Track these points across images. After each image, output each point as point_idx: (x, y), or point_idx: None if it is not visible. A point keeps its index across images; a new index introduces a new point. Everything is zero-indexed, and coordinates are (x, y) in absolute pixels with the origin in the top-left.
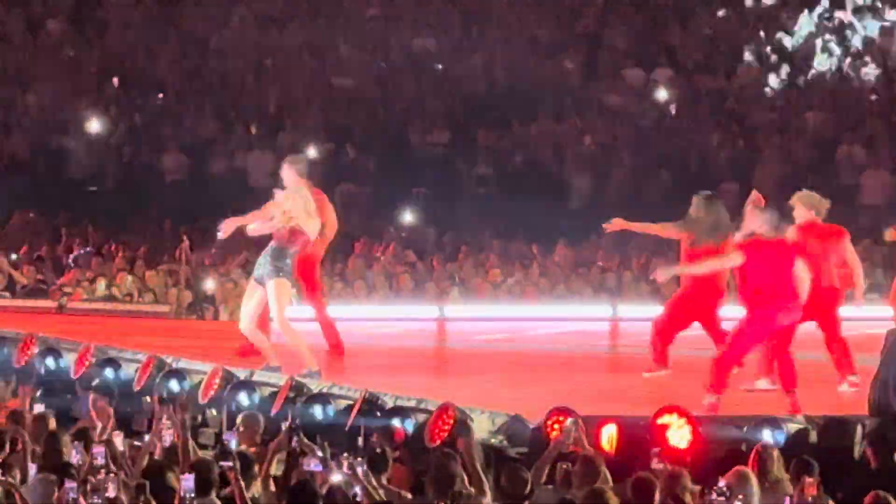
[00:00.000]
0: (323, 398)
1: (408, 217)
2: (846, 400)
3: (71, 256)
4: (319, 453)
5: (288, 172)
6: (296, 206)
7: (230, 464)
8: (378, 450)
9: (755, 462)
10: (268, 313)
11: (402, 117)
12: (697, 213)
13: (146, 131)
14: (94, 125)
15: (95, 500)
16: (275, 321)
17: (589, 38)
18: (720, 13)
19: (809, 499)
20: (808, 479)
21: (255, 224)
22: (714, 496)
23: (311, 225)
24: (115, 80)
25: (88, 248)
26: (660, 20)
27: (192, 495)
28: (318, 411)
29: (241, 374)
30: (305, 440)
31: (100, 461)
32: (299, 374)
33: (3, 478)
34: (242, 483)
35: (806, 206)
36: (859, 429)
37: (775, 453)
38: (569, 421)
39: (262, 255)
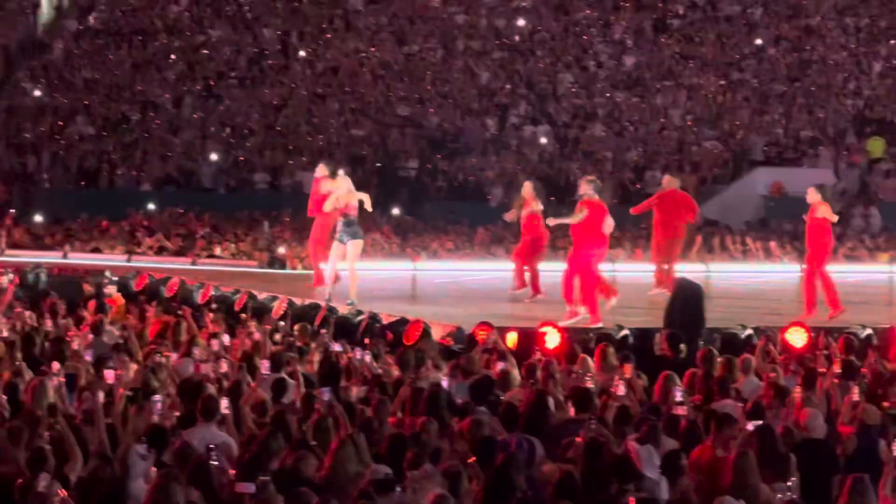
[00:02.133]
0: (345, 317)
1: (395, 211)
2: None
3: (200, 233)
4: (338, 346)
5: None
6: (341, 191)
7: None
8: (377, 347)
9: (598, 354)
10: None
11: (391, 153)
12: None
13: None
14: (213, 156)
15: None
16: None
17: (500, 107)
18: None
19: (627, 376)
20: (627, 365)
21: (327, 205)
22: (571, 375)
23: (353, 199)
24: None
25: (208, 229)
26: (542, 96)
27: (267, 373)
28: (342, 323)
29: (298, 301)
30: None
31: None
32: (348, 302)
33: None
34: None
35: None
36: (657, 335)
37: (610, 349)
38: (491, 331)
39: (338, 224)
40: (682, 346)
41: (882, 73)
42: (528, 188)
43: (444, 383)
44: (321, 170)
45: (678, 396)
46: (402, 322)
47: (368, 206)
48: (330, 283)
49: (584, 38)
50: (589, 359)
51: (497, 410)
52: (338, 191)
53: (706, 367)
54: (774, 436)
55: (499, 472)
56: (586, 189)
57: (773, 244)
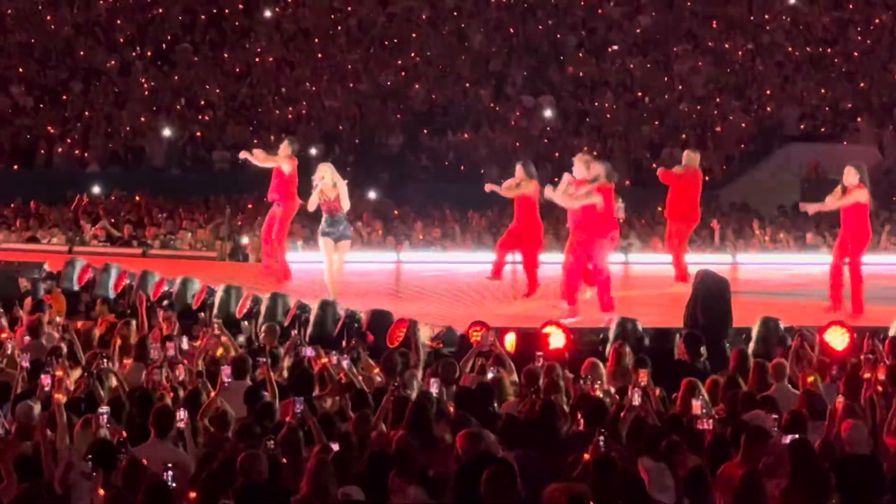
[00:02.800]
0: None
1: (372, 195)
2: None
3: (152, 220)
4: (311, 350)
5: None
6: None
7: (263, 359)
8: (356, 349)
9: (613, 355)
10: None
11: (371, 127)
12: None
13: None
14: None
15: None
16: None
17: (496, 75)
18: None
19: (643, 383)
20: (643, 371)
21: (311, 203)
22: (581, 382)
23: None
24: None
25: (163, 214)
26: (542, 63)
27: (229, 380)
28: (316, 323)
29: (265, 297)
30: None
31: (171, 353)
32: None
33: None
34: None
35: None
36: (677, 337)
37: (627, 349)
38: (488, 332)
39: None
40: (703, 350)
41: None
42: (519, 171)
43: (434, 390)
44: (284, 148)
45: (700, 408)
46: (385, 321)
47: (345, 205)
48: (331, 283)
49: None
50: (600, 363)
51: (489, 422)
52: (322, 183)
53: (739, 371)
54: (812, 451)
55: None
56: (597, 171)
57: (808, 234)
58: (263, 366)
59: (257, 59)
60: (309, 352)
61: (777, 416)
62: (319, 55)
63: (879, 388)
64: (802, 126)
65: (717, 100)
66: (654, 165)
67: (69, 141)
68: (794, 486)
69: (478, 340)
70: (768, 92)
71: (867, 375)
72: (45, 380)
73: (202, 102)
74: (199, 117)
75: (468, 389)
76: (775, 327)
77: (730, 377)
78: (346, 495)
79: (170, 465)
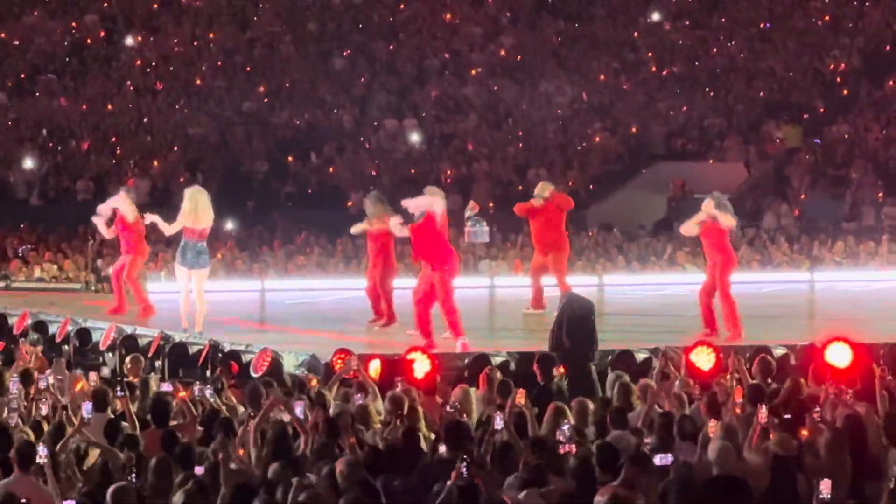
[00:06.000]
0: (182, 345)
1: (231, 225)
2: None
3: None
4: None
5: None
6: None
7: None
8: (218, 380)
9: (485, 380)
10: None
11: (235, 153)
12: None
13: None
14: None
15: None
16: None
17: (360, 99)
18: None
19: (519, 403)
20: (519, 392)
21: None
22: (448, 408)
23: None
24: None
25: (26, 246)
26: (407, 85)
27: (90, 415)
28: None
29: (129, 329)
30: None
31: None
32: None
33: None
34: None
35: None
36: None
37: (497, 374)
38: (351, 358)
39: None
40: (556, 371)
41: (796, 50)
42: (369, 205)
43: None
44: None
45: (565, 433)
46: (248, 351)
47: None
48: (186, 311)
49: (455, 16)
50: (471, 389)
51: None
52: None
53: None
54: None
55: None
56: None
57: (679, 253)
58: (123, 398)
59: (119, 88)
60: (166, 387)
61: (650, 438)
62: (181, 81)
63: (738, 411)
64: (669, 145)
65: (583, 119)
66: (521, 188)
67: None
68: None
69: (341, 367)
70: (633, 111)
71: (733, 396)
72: None
73: (65, 132)
74: (62, 147)
75: (330, 418)
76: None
77: (603, 399)
78: None
79: (24, 500)
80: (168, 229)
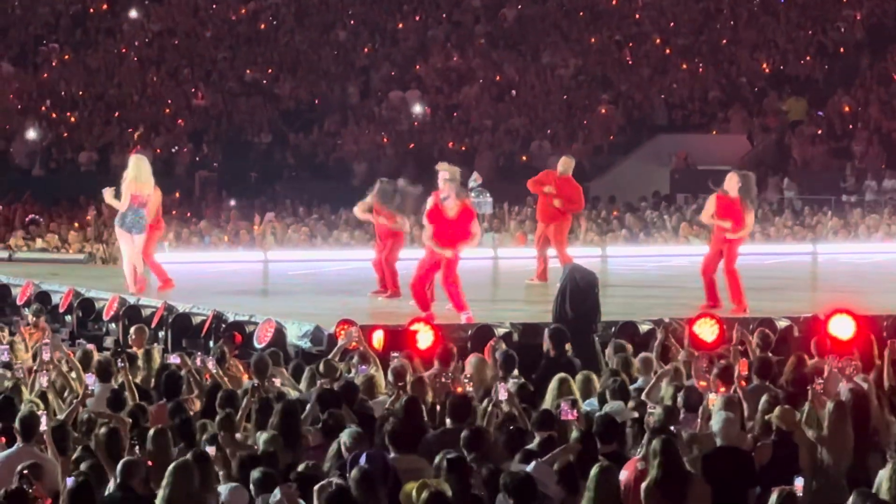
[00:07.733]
0: (185, 316)
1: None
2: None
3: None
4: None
5: None
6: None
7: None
8: (221, 350)
9: (489, 351)
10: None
11: (239, 125)
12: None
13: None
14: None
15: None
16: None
17: (364, 70)
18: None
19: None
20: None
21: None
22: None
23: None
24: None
25: (32, 216)
26: (409, 57)
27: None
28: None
29: (132, 299)
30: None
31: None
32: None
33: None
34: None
35: None
36: (546, 331)
37: (502, 345)
38: (352, 329)
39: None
40: (568, 345)
41: (798, 23)
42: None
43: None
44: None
45: (568, 405)
46: (252, 321)
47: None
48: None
49: None
50: (473, 359)
51: (364, 422)
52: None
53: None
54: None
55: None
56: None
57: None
58: (122, 369)
59: (123, 59)
60: (174, 359)
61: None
62: (185, 53)
63: (742, 383)
64: (671, 116)
65: (586, 91)
66: (524, 158)
67: None
68: (660, 479)
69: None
70: (636, 83)
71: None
72: None
73: (68, 103)
74: (65, 117)
75: (330, 390)
76: None
77: (611, 370)
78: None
79: (25, 471)
80: (119, 205)
